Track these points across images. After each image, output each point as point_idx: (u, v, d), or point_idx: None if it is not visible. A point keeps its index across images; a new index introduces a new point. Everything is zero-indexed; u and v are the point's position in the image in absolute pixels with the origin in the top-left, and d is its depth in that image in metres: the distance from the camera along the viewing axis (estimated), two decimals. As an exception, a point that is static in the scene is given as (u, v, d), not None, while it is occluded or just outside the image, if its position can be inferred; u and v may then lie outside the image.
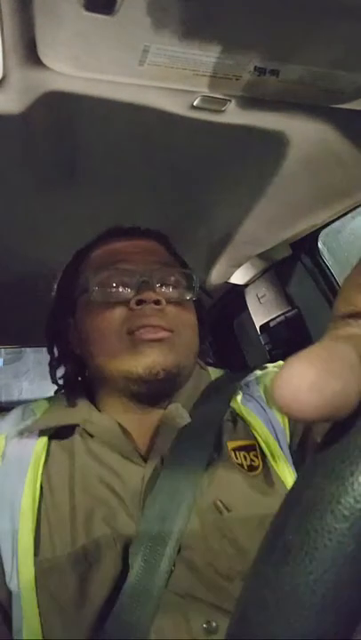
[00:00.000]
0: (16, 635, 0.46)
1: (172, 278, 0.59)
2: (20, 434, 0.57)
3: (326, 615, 0.14)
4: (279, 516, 0.16)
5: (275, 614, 0.15)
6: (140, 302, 0.54)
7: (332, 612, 0.14)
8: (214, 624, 0.43)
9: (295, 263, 1.04)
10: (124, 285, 0.56)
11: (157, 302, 0.55)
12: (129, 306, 0.55)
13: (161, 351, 0.53)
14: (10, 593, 0.47)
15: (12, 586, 0.47)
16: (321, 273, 1.02)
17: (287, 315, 1.06)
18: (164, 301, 0.55)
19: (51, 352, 0.66)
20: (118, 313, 0.55)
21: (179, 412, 0.56)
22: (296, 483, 0.16)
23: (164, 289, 0.57)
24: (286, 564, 0.15)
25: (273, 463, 0.52)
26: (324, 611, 0.14)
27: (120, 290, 0.56)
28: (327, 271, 1.02)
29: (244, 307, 1.20)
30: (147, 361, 0.53)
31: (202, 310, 0.64)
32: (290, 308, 1.05)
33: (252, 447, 0.53)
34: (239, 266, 1.11)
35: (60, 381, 0.66)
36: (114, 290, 0.56)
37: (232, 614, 0.16)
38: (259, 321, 1.15)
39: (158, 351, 0.53)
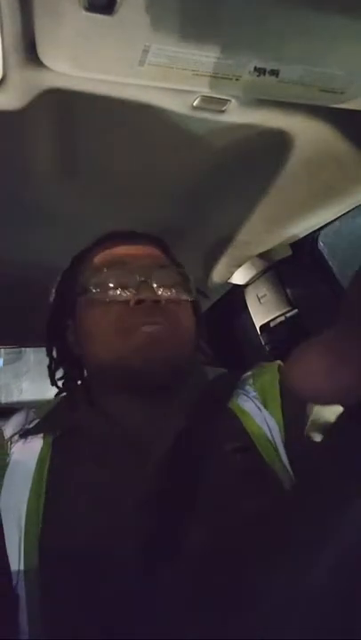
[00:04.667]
0: (22, 636, 0.46)
1: (171, 279, 0.60)
2: (25, 438, 0.57)
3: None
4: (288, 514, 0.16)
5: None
6: (139, 302, 0.55)
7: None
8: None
9: (295, 263, 1.04)
10: (123, 286, 0.57)
11: (156, 302, 0.56)
12: (128, 305, 0.56)
13: (160, 346, 0.54)
14: (17, 597, 0.48)
15: (19, 589, 0.47)
16: (321, 273, 1.02)
17: (287, 315, 1.06)
18: (163, 301, 0.56)
19: (50, 354, 0.67)
20: (117, 312, 0.56)
21: (178, 415, 0.56)
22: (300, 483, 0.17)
23: (162, 289, 0.58)
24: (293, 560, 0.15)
25: (270, 463, 0.52)
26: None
27: (119, 290, 0.57)
28: (327, 271, 1.02)
29: (244, 307, 1.20)
30: (146, 355, 0.53)
31: (199, 311, 0.65)
32: (290, 308, 1.05)
33: (249, 448, 0.53)
34: (239, 266, 1.11)
35: (60, 383, 0.66)
36: (113, 290, 0.57)
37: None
38: (259, 321, 1.15)
39: (157, 346, 0.54)
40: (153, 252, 0.63)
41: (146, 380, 0.55)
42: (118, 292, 0.57)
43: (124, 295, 0.57)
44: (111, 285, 0.58)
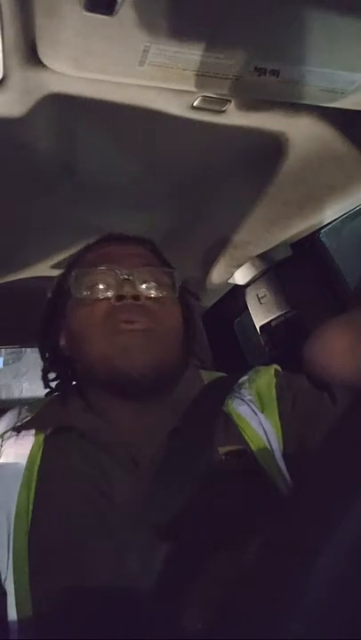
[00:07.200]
0: (10, 634, 0.46)
1: (154, 277, 0.60)
2: (16, 434, 0.57)
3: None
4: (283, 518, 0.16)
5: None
6: (120, 298, 0.56)
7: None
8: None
9: (295, 263, 1.04)
10: (108, 284, 0.59)
11: (136, 298, 0.56)
12: (111, 304, 0.57)
13: (146, 347, 0.55)
14: (5, 593, 0.48)
15: (7, 586, 0.47)
16: (321, 273, 1.02)
17: (287, 315, 1.05)
18: (143, 297, 0.57)
19: (43, 357, 0.68)
20: (101, 310, 0.57)
21: (170, 415, 0.56)
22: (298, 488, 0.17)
23: (144, 286, 0.59)
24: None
25: (265, 467, 0.52)
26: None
27: (103, 288, 0.59)
28: (327, 271, 1.02)
29: (244, 307, 1.20)
30: (133, 358, 0.54)
31: (189, 310, 0.65)
32: (290, 308, 1.05)
33: (244, 451, 0.53)
34: (239, 266, 1.11)
35: (53, 384, 0.67)
36: (97, 288, 0.59)
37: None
38: (259, 321, 1.15)
39: (143, 347, 0.55)
40: (139, 251, 0.64)
41: (131, 382, 0.55)
42: (103, 289, 0.58)
43: (108, 294, 0.58)
44: (96, 284, 0.59)
